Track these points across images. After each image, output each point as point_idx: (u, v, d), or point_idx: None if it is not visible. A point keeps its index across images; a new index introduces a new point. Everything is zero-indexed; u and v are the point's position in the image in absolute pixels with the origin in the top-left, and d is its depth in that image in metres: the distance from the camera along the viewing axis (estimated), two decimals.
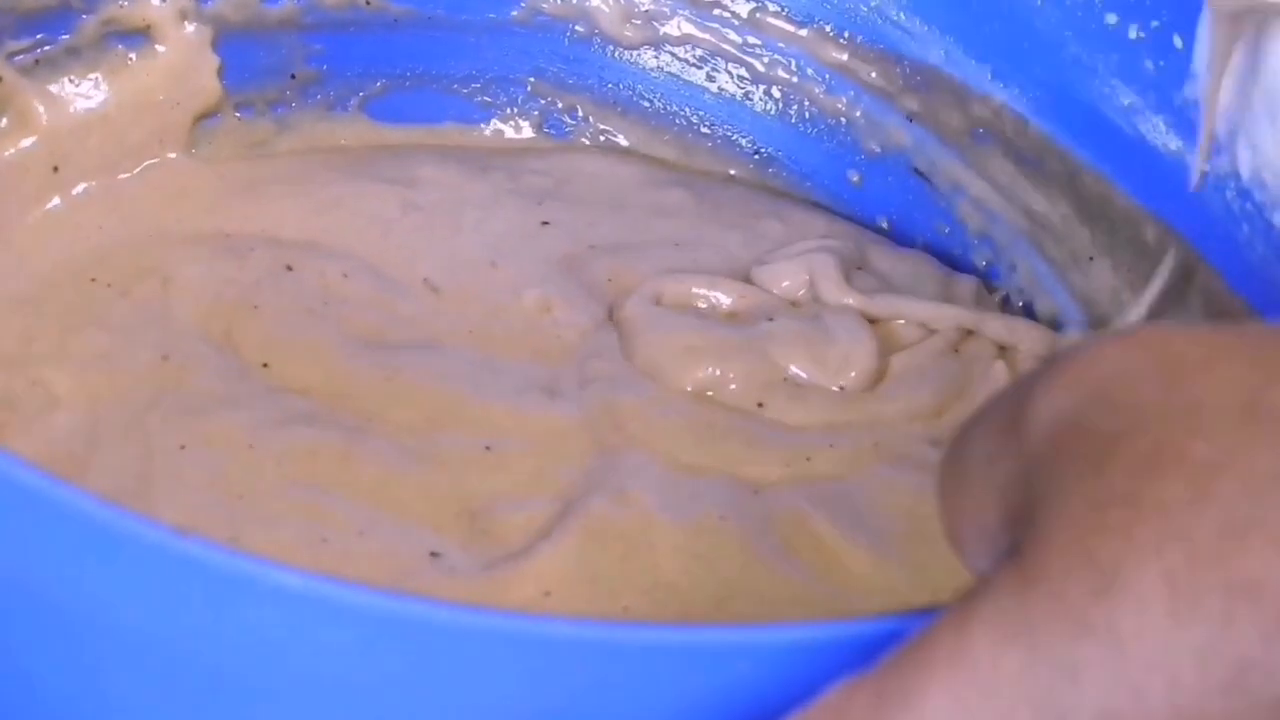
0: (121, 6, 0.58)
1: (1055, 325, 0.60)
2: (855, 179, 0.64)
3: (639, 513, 0.50)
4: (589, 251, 0.60)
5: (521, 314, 0.57)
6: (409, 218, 0.59)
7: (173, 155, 0.60)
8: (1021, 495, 0.31)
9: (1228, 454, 0.29)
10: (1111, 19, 0.57)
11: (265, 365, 0.54)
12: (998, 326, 0.58)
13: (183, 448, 0.51)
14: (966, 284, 0.61)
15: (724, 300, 0.57)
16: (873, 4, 0.62)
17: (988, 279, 0.62)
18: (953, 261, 0.62)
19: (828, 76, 0.64)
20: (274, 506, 0.50)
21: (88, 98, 0.59)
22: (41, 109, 0.57)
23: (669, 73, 0.65)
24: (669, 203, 0.62)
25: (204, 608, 0.33)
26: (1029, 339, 0.58)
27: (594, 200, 0.62)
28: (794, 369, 0.55)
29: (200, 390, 0.53)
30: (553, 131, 0.66)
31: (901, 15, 0.62)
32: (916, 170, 0.63)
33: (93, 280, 0.56)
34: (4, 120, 0.57)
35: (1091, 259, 0.59)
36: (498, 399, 0.54)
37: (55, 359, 0.53)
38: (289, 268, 0.57)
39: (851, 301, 0.57)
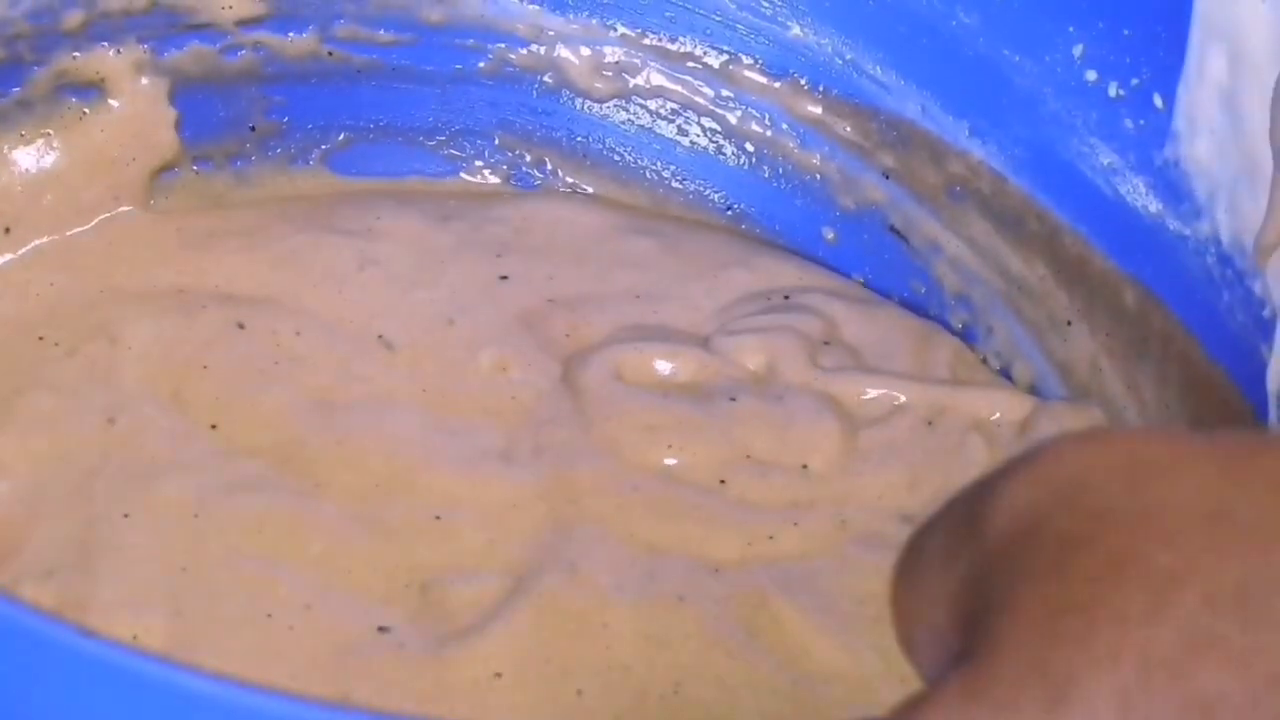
0: (74, 59, 0.57)
1: (1034, 391, 0.58)
2: (830, 236, 0.62)
3: (593, 591, 0.48)
4: (548, 305, 0.58)
5: (477, 374, 0.56)
6: (365, 272, 0.58)
7: (127, 209, 0.58)
8: (976, 597, 0.30)
9: (1190, 564, 0.28)
10: (1091, 76, 0.56)
11: (214, 427, 0.53)
12: (974, 399, 0.56)
13: (126, 516, 0.49)
14: (945, 347, 0.59)
15: (686, 372, 0.56)
16: (848, 57, 0.61)
17: (965, 340, 0.60)
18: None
19: (802, 131, 0.62)
20: (218, 579, 0.48)
21: (41, 155, 0.57)
22: None
23: (640, 126, 0.64)
24: (633, 252, 0.61)
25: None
26: (1006, 408, 0.56)
27: (555, 250, 0.60)
28: (757, 448, 0.54)
29: (146, 455, 0.51)
30: (520, 185, 0.64)
31: (877, 69, 0.60)
32: (892, 228, 0.61)
33: (40, 338, 0.55)
34: None
35: (1070, 323, 0.57)
36: (450, 466, 0.52)
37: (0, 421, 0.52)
38: (241, 325, 0.55)
39: (816, 383, 0.56)
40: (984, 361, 0.59)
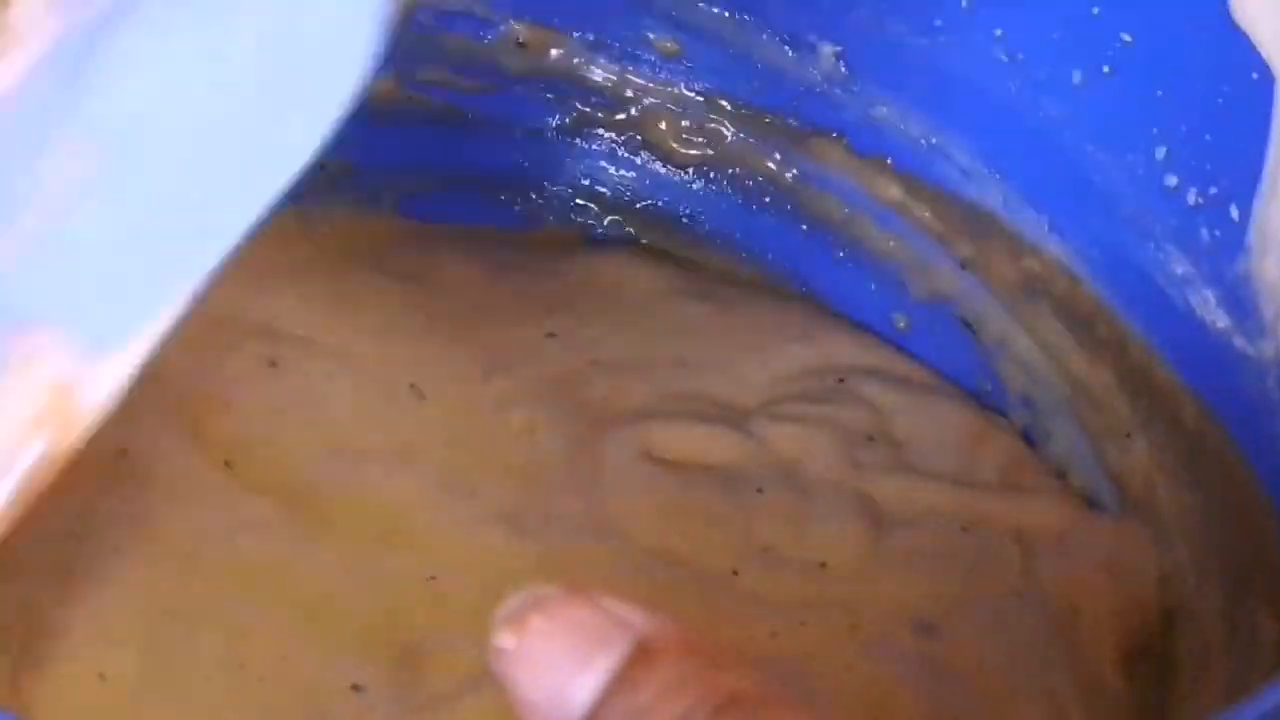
0: None
1: (1089, 503, 0.56)
2: (902, 324, 0.60)
3: None
4: (590, 367, 0.57)
5: (505, 432, 0.54)
6: (411, 319, 0.57)
7: None
8: None
9: None
10: (1172, 181, 0.53)
11: (228, 464, 0.52)
12: (1016, 507, 0.54)
13: (117, 550, 0.49)
14: (999, 445, 0.57)
15: (717, 455, 0.54)
16: (933, 140, 0.59)
17: (1025, 440, 0.58)
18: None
19: (880, 212, 0.60)
20: (198, 621, 0.47)
21: None
22: None
23: (717, 190, 0.62)
24: (689, 316, 0.59)
25: None
26: (1049, 519, 0.53)
27: (608, 310, 0.59)
28: (775, 541, 0.52)
29: (152, 489, 0.51)
30: (592, 242, 0.63)
31: (963, 155, 0.58)
32: (963, 320, 0.59)
33: None
34: None
35: (1129, 435, 0.55)
36: (454, 527, 0.51)
37: None
38: (273, 364, 0.54)
39: (849, 480, 0.53)
40: (1039, 464, 0.57)
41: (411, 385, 0.55)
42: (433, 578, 0.49)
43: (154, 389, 0.53)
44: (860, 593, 0.51)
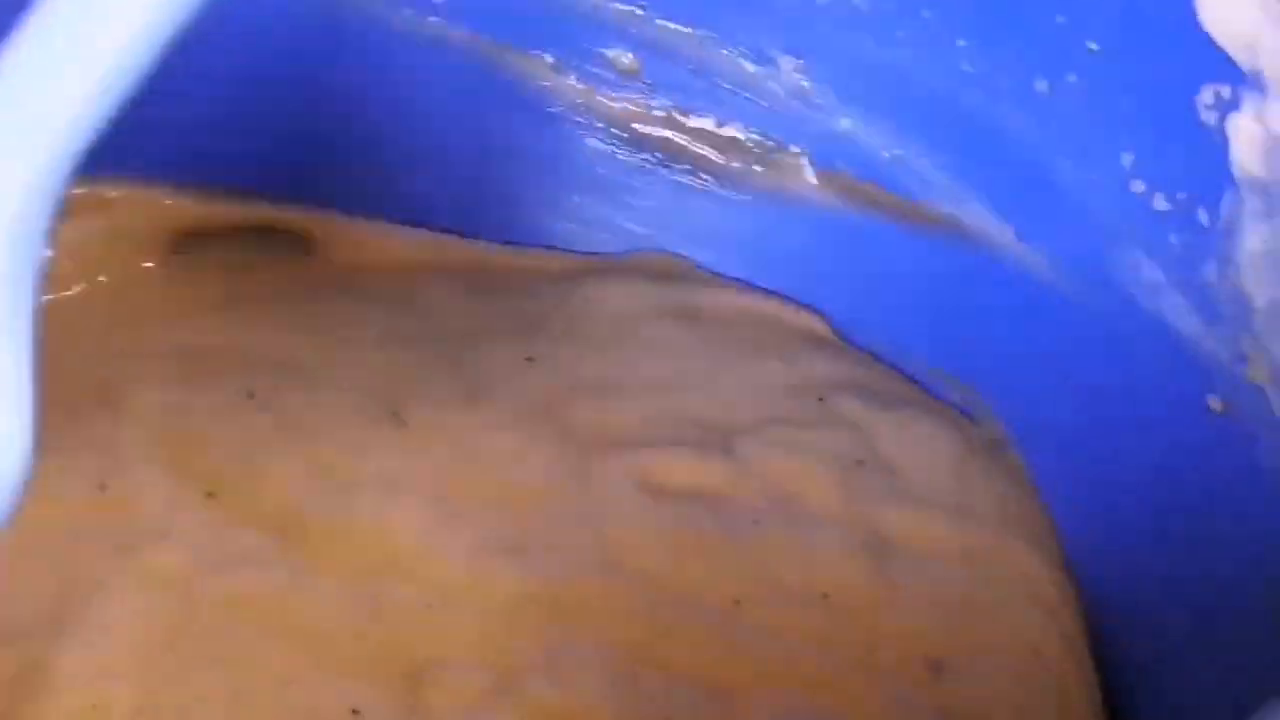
0: None
1: None
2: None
3: (578, 703, 0.47)
4: (570, 392, 0.56)
5: (493, 458, 0.54)
6: (390, 345, 0.56)
7: (149, 265, 0.58)
8: None
9: None
10: (1139, 187, 0.54)
11: (210, 495, 0.51)
12: (1012, 544, 0.54)
13: (104, 584, 0.48)
14: (990, 467, 0.56)
15: (710, 484, 0.54)
16: (897, 153, 0.59)
17: None
18: None
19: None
20: (194, 653, 0.47)
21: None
22: None
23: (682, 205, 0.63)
24: (668, 337, 0.59)
25: None
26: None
27: (588, 332, 0.59)
28: (778, 573, 0.52)
29: (135, 523, 0.50)
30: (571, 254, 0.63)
31: (928, 167, 0.59)
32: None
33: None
34: None
35: None
36: (453, 555, 0.51)
37: None
38: (250, 394, 0.54)
39: (846, 510, 0.53)
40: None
41: (394, 413, 0.54)
42: (430, 605, 0.49)
43: (126, 422, 0.52)
44: (866, 626, 0.51)
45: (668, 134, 0.62)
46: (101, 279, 0.57)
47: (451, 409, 0.55)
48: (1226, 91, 0.49)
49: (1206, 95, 0.50)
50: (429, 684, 0.47)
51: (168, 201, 0.58)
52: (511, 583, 0.50)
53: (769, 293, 0.62)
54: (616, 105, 0.61)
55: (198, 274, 0.58)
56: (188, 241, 0.58)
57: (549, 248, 0.63)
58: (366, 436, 0.54)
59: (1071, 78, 0.54)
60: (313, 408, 0.54)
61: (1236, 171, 0.50)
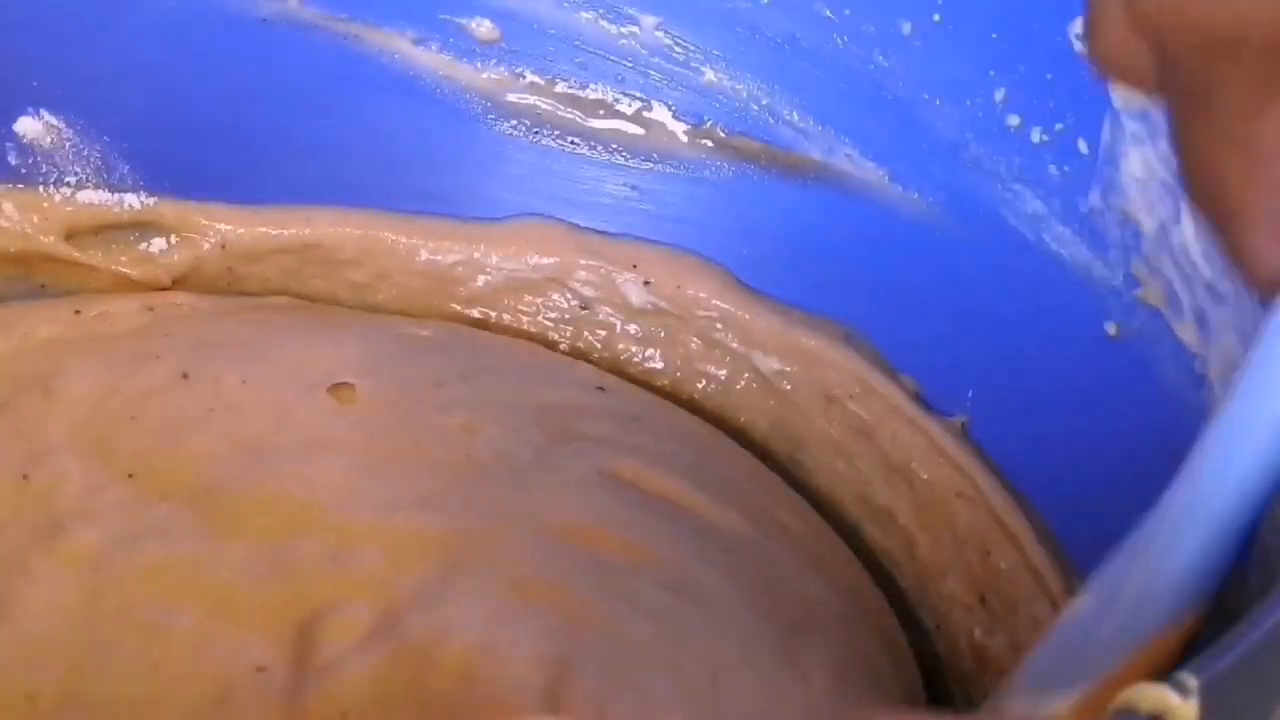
0: None
1: None
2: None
3: (460, 641, 0.46)
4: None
5: (440, 433, 0.54)
6: (342, 318, 0.57)
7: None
8: None
9: None
10: (1014, 121, 0.54)
11: (131, 476, 0.51)
12: None
13: (28, 572, 0.48)
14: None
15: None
16: (764, 102, 0.59)
17: None
18: None
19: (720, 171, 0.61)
20: (114, 631, 0.47)
21: None
22: None
23: (555, 179, 0.62)
24: None
25: None
26: None
27: None
28: None
29: (56, 509, 0.50)
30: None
31: (794, 114, 0.59)
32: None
33: None
34: None
35: None
36: (366, 510, 0.50)
37: None
38: (185, 375, 0.53)
39: None
40: None
41: (342, 382, 0.54)
42: (334, 557, 0.48)
43: (55, 411, 0.52)
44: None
45: (533, 99, 0.61)
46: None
47: (415, 388, 0.55)
48: None
49: (1079, 25, 0.51)
50: (320, 631, 0.47)
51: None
52: (415, 528, 0.50)
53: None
54: (482, 75, 0.61)
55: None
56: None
57: (436, 215, 0.62)
58: (298, 411, 0.53)
59: (936, 18, 0.55)
60: (245, 386, 0.54)
61: (1115, 99, 0.50)
